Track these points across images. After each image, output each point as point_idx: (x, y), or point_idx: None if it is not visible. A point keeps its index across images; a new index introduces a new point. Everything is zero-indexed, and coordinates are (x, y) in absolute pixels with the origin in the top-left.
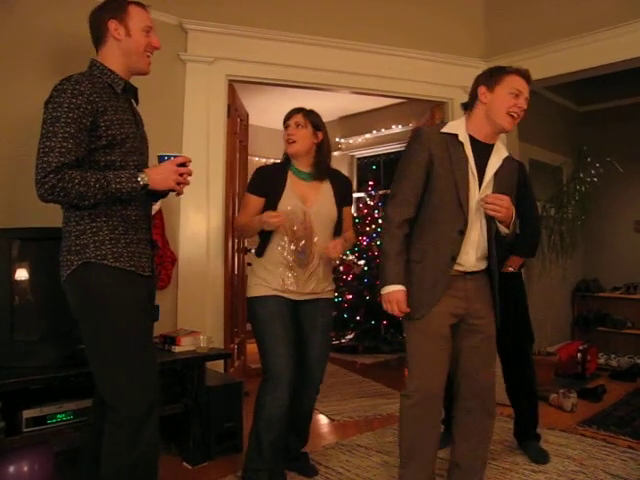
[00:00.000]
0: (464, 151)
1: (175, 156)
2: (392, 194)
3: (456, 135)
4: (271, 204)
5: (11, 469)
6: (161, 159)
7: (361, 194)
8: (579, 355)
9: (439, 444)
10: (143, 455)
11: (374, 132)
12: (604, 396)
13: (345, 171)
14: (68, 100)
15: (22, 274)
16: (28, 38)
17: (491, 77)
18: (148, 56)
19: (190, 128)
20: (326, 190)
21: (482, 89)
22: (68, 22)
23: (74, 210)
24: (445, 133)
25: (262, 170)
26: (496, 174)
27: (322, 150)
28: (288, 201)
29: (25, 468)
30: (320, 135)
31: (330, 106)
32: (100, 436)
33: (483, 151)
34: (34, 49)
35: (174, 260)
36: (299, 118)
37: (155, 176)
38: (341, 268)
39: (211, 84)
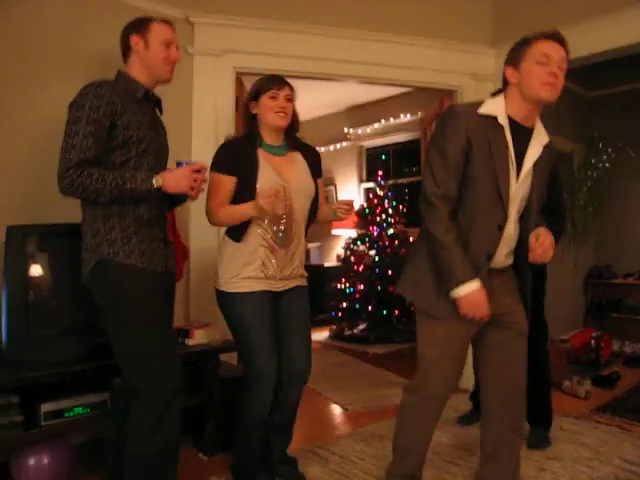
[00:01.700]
0: (505, 136)
1: (192, 162)
2: (435, 182)
3: (495, 117)
4: (247, 184)
5: (31, 462)
6: (179, 164)
7: (370, 184)
8: (593, 342)
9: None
10: (166, 441)
11: (382, 122)
12: (618, 383)
13: (354, 161)
14: (90, 102)
15: (38, 270)
16: (29, 41)
17: (515, 54)
18: (169, 66)
19: (198, 121)
20: (300, 163)
21: (509, 70)
22: (73, 26)
23: (90, 210)
24: (483, 115)
25: (229, 146)
26: (537, 164)
27: (294, 121)
28: (265, 180)
29: (45, 461)
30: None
31: (338, 96)
32: (121, 424)
33: (522, 136)
34: (41, 52)
35: (186, 253)
36: (288, 91)
37: (170, 179)
38: (352, 258)
39: (218, 77)
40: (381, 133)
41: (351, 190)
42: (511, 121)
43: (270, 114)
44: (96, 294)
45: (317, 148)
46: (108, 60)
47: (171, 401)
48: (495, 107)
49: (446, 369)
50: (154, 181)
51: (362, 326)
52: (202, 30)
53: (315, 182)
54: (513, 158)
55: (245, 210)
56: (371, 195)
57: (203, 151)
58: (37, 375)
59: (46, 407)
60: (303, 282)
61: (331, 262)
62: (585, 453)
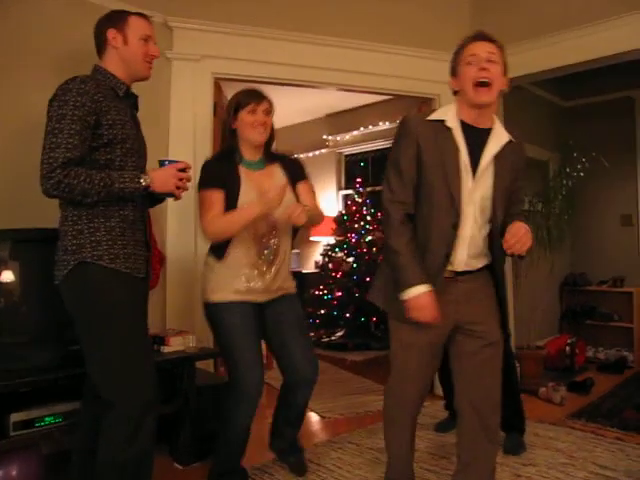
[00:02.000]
0: (454, 138)
1: (176, 161)
2: (389, 189)
3: (444, 121)
4: (229, 201)
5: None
6: (162, 164)
7: (349, 191)
8: (567, 348)
9: (413, 445)
10: (139, 454)
11: (361, 129)
12: (592, 389)
13: (333, 168)
14: (74, 98)
15: (9, 276)
16: (25, 40)
17: (452, 64)
18: (148, 63)
19: (176, 126)
20: (279, 175)
21: (452, 80)
22: (67, 25)
23: (72, 210)
24: (432, 120)
25: (212, 164)
26: (497, 162)
27: (271, 134)
28: (247, 196)
29: (14, 472)
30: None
31: (317, 103)
32: (91, 434)
33: (478, 137)
34: (32, 51)
35: (162, 259)
36: (267, 105)
37: (157, 178)
38: (330, 265)
39: (197, 82)
40: (360, 140)
41: (330, 197)
42: (464, 125)
43: (249, 130)
44: (70, 298)
45: (296, 155)
46: (80, 61)
47: (147, 411)
48: (444, 112)
49: (414, 373)
50: (142, 180)
51: (340, 333)
52: (181, 35)
53: (295, 189)
54: (466, 159)
55: (249, 209)
56: (349, 202)
57: (181, 156)
58: (6, 384)
59: (15, 417)
60: (290, 290)
61: (309, 269)
62: (560, 459)
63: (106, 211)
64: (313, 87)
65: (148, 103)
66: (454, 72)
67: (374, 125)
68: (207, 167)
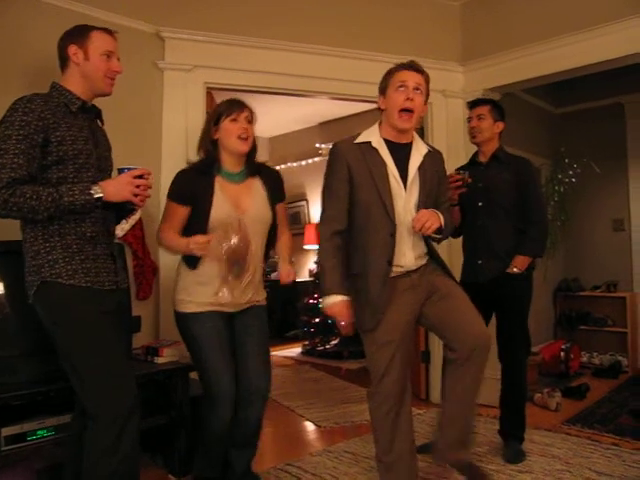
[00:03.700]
0: (380, 156)
1: (134, 168)
2: (322, 211)
3: (369, 142)
4: (200, 214)
5: None
6: (120, 171)
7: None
8: (562, 354)
9: (412, 444)
10: (123, 463)
11: None
12: (588, 394)
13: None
14: (19, 118)
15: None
16: (10, 51)
17: (382, 84)
18: (110, 79)
19: (169, 136)
20: (258, 190)
21: (379, 99)
22: (54, 35)
23: (29, 232)
24: (359, 143)
25: (184, 175)
26: (421, 171)
27: (253, 145)
28: (220, 210)
29: None
30: None
31: (310, 112)
32: (81, 449)
33: (402, 152)
34: (19, 64)
35: (155, 270)
36: (249, 113)
37: (110, 188)
38: None
39: (189, 92)
40: None
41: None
42: (389, 142)
43: (232, 139)
44: (42, 317)
45: (289, 163)
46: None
47: (127, 420)
48: (369, 134)
49: (393, 370)
50: (93, 191)
51: (335, 341)
52: (173, 45)
53: (273, 209)
54: (395, 172)
55: (179, 245)
56: None
57: (173, 166)
58: None
59: (7, 431)
60: (261, 302)
61: (303, 277)
62: (556, 465)
63: (61, 229)
64: (306, 96)
65: (141, 113)
66: (383, 92)
67: None
68: (178, 179)
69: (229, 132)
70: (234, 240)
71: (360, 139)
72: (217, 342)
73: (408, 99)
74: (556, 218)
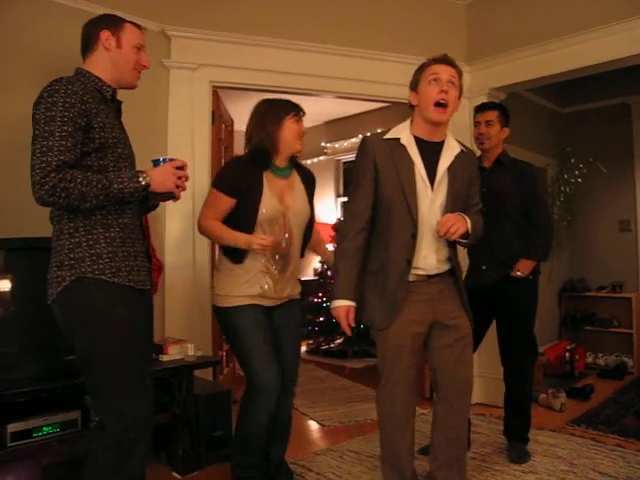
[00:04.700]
0: (408, 154)
1: (171, 159)
2: (347, 207)
3: (398, 139)
4: (250, 208)
5: None
6: (156, 163)
7: (346, 198)
8: (567, 355)
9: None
10: (131, 476)
11: (360, 136)
12: (592, 395)
13: (331, 175)
14: (62, 99)
15: (6, 285)
16: (15, 49)
17: (413, 79)
18: (138, 72)
19: (174, 135)
20: (299, 186)
21: (411, 94)
22: (58, 33)
23: (67, 222)
24: (388, 139)
25: (237, 166)
26: (450, 171)
27: None
28: (268, 205)
29: None
30: None
31: (315, 111)
32: None
33: (432, 150)
34: (22, 60)
35: (161, 267)
36: (303, 117)
37: (156, 177)
38: (329, 272)
39: (195, 91)
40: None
41: (328, 204)
42: (418, 140)
43: (295, 138)
44: (66, 316)
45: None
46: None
47: (139, 435)
48: (399, 130)
49: (400, 373)
50: (141, 178)
51: (339, 340)
52: (178, 43)
53: (311, 204)
54: (423, 171)
55: (236, 240)
56: None
57: None
58: (3, 394)
59: (13, 427)
60: (297, 296)
61: (308, 276)
62: (561, 466)
63: (104, 220)
64: (311, 95)
65: (146, 111)
66: (414, 88)
67: (372, 132)
68: (229, 169)
69: (293, 132)
70: (280, 235)
71: (389, 135)
72: (262, 335)
73: (442, 91)
74: (562, 218)
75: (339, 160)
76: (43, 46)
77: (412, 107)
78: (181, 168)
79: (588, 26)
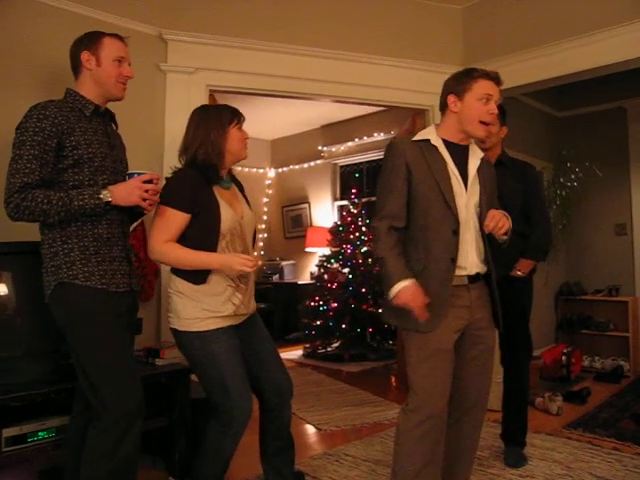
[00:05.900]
0: (440, 154)
1: (141, 173)
2: (377, 209)
3: (428, 140)
4: (211, 222)
5: None
6: (130, 176)
7: (344, 202)
8: (564, 358)
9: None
10: (125, 459)
11: (356, 140)
12: (589, 398)
13: (328, 179)
14: (33, 124)
15: (3, 289)
16: (14, 51)
17: (459, 85)
18: (121, 83)
19: (171, 139)
20: (240, 195)
21: (451, 98)
22: (56, 36)
23: (47, 233)
24: (417, 140)
25: (189, 180)
26: (480, 173)
27: None
28: (227, 216)
29: None
30: None
31: (312, 115)
32: (81, 448)
33: (460, 152)
34: (21, 63)
35: (157, 272)
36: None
37: (119, 192)
38: (326, 276)
39: (192, 94)
40: (355, 151)
41: (325, 208)
42: (446, 142)
43: (240, 146)
44: (57, 316)
45: (291, 166)
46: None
47: (134, 419)
48: (427, 133)
49: (439, 383)
50: (102, 195)
51: (336, 344)
52: (175, 47)
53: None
54: (455, 171)
55: (210, 262)
56: (345, 213)
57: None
58: None
59: (8, 432)
60: (255, 308)
61: (305, 280)
62: (557, 470)
63: (79, 231)
64: (308, 99)
65: (143, 115)
66: (459, 95)
67: (369, 136)
68: (181, 184)
69: (238, 139)
70: (241, 245)
71: (418, 137)
72: (237, 361)
73: (492, 113)
74: (558, 222)
75: (336, 164)
76: (41, 49)
77: (447, 110)
78: (150, 181)
79: (585, 30)
